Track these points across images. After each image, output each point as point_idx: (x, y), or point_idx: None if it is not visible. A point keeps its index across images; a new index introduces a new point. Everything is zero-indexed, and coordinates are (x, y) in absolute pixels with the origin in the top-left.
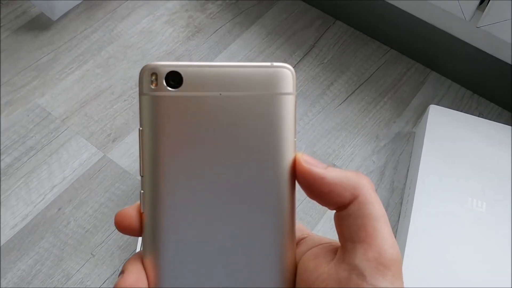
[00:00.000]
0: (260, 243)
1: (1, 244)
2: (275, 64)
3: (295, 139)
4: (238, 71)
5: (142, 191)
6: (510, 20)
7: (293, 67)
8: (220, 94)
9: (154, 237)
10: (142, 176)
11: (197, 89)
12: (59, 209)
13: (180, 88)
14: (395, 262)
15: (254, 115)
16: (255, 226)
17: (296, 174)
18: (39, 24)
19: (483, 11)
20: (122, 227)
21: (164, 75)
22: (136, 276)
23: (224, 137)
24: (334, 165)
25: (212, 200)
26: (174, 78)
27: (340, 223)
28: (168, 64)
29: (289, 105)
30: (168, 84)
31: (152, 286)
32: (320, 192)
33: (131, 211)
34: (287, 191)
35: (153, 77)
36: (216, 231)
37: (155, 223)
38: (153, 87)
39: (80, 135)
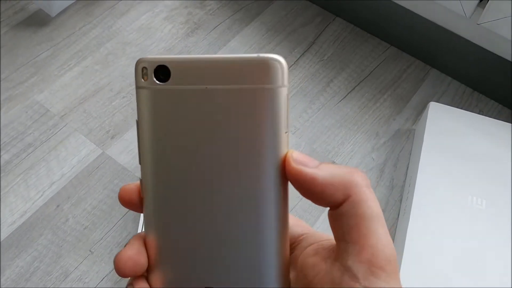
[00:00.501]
0: (248, 237)
1: (0, 241)
2: (261, 55)
3: (287, 133)
4: (225, 64)
5: (140, 178)
6: (511, 17)
7: (293, 64)
8: (206, 87)
9: (152, 220)
10: (140, 165)
11: (184, 82)
12: (58, 206)
13: (168, 82)
14: (389, 262)
15: (239, 109)
16: (243, 219)
17: (287, 174)
18: (37, 21)
19: (483, 8)
20: (123, 201)
21: (153, 69)
22: (137, 250)
23: (211, 132)
24: (333, 163)
25: (202, 191)
26: (162, 72)
27: (334, 222)
28: (158, 58)
29: (276, 97)
30: (157, 78)
31: (151, 262)
32: (311, 192)
33: (133, 187)
34: (275, 186)
35: (144, 71)
36: (206, 221)
37: (152, 208)
38: (143, 80)
39: (79, 131)
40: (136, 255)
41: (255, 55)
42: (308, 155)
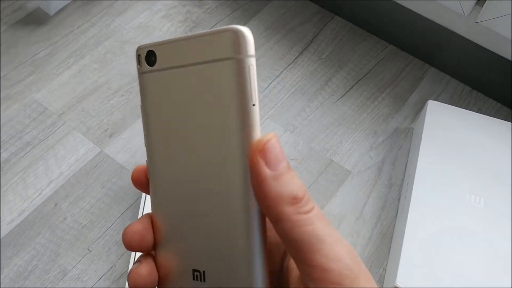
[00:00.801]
0: (219, 220)
1: None
2: (224, 27)
3: (255, 105)
4: (197, 41)
5: (147, 160)
6: (509, 15)
7: (292, 63)
8: (182, 66)
9: (152, 200)
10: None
11: (167, 63)
12: (56, 204)
13: (155, 65)
14: (345, 276)
15: (207, 84)
16: (216, 202)
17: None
18: (35, 19)
19: (482, 7)
20: (134, 181)
21: (145, 55)
22: (144, 226)
23: (190, 109)
24: (331, 161)
25: (185, 174)
26: (151, 57)
27: (281, 238)
28: (148, 44)
29: (237, 68)
30: (148, 62)
31: (155, 241)
32: (256, 192)
33: (144, 167)
34: (242, 162)
35: (140, 58)
36: (189, 203)
37: (152, 189)
38: (139, 66)
39: (77, 130)
40: (143, 230)
41: (220, 28)
42: (283, 154)
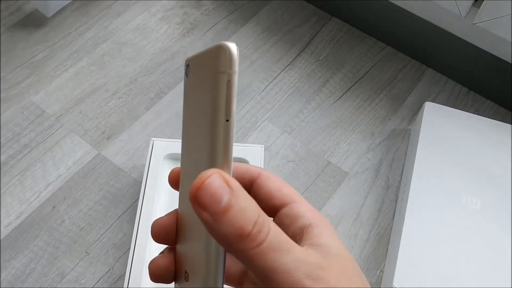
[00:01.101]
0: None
1: None
2: (217, 43)
3: (228, 121)
4: (205, 55)
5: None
6: (507, 16)
7: (289, 64)
8: (198, 78)
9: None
10: None
11: (193, 75)
12: (54, 207)
13: (189, 76)
14: None
15: (199, 97)
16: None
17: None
18: (33, 21)
19: (479, 8)
20: (171, 182)
21: (185, 66)
22: (170, 221)
23: (190, 117)
24: (329, 163)
25: (187, 180)
26: (188, 68)
27: None
28: (190, 56)
29: (214, 83)
30: (186, 73)
31: (177, 232)
32: None
33: (178, 170)
34: None
35: (184, 68)
36: (186, 210)
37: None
38: (184, 76)
39: (75, 132)
40: (168, 225)
41: (217, 43)
42: (223, 189)
